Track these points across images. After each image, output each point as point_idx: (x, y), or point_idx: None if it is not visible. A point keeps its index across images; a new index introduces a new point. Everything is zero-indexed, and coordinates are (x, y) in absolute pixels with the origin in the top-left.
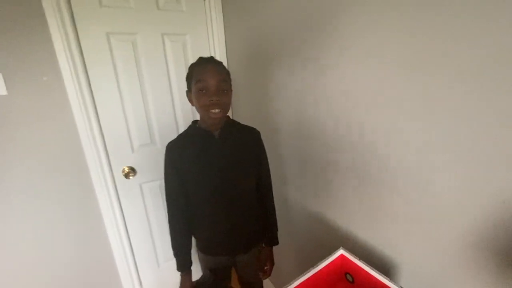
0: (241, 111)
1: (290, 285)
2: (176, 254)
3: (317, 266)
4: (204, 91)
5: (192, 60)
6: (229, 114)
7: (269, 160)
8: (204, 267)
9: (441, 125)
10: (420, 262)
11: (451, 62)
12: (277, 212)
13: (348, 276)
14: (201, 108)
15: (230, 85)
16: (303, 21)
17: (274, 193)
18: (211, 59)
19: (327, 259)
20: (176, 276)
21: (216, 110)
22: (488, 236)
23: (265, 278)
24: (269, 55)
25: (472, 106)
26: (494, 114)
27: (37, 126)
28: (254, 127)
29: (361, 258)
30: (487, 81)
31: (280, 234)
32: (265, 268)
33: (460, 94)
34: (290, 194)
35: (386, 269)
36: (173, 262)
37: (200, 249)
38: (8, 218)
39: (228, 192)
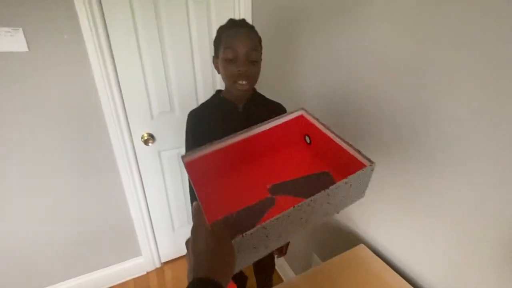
0: (265, 81)
1: (249, 131)
2: None
3: (276, 120)
4: (232, 59)
5: (215, 24)
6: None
7: None
8: None
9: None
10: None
11: None
12: None
13: (306, 138)
14: (228, 78)
15: (261, 54)
16: None
17: None
18: (242, 23)
19: (286, 116)
20: None
21: (244, 82)
22: None
23: (279, 257)
24: (300, 19)
25: None
26: None
27: (57, 85)
28: (279, 102)
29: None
30: None
31: None
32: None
33: None
34: None
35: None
36: (187, 228)
37: None
38: (25, 177)
39: None
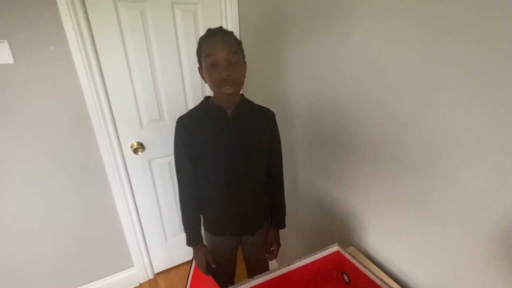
0: (252, 88)
1: (285, 267)
2: (186, 229)
3: (311, 256)
4: (214, 66)
5: (203, 32)
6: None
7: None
8: (210, 247)
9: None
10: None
11: None
12: (285, 194)
13: (345, 276)
14: (213, 85)
15: (243, 57)
16: None
17: (283, 174)
18: (219, 30)
19: (322, 251)
20: (184, 251)
21: (228, 87)
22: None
23: (271, 260)
24: (285, 28)
25: None
26: None
27: (44, 97)
28: (268, 107)
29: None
30: None
31: (288, 216)
32: (271, 249)
33: None
34: (300, 176)
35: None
36: (180, 237)
37: (207, 228)
38: (14, 190)
39: (238, 172)
